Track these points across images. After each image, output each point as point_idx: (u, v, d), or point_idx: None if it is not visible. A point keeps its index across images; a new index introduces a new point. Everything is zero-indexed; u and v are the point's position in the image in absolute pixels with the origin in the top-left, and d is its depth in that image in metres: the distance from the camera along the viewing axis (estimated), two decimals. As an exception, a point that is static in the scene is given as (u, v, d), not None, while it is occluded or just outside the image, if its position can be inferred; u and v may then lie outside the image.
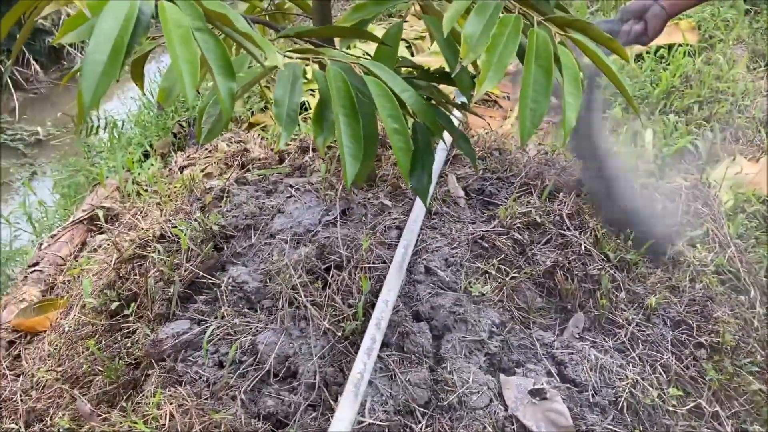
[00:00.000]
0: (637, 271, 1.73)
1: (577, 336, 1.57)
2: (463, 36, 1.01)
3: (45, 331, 2.09)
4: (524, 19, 1.07)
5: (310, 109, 2.99)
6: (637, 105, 1.13)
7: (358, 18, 1.22)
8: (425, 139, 1.17)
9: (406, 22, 1.35)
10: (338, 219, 1.74)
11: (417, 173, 1.15)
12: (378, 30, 3.27)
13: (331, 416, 1.28)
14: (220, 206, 1.89)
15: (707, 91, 2.96)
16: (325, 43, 1.34)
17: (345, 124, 0.95)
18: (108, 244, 2.25)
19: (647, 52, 3.47)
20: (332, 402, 1.38)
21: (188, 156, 2.88)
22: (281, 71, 0.95)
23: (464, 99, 1.25)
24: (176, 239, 1.81)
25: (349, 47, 1.35)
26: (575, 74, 1.02)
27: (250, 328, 1.53)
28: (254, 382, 1.43)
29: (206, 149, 2.90)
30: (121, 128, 3.34)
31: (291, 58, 1.04)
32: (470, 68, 1.17)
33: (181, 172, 2.73)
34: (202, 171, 2.64)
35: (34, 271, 2.41)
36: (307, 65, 1.08)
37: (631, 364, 1.50)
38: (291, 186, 1.94)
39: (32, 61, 4.81)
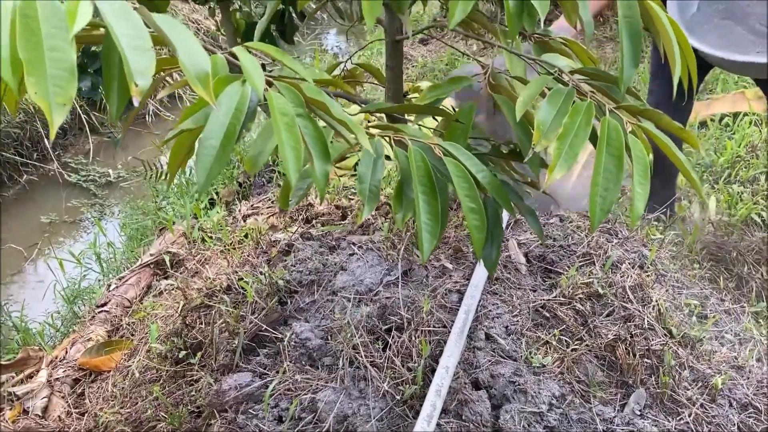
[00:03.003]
0: (702, 348, 1.70)
1: (638, 413, 1.54)
2: (536, 123, 1.05)
3: (109, 371, 2.18)
4: (596, 106, 1.11)
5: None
6: (701, 188, 1.14)
7: (434, 96, 1.28)
8: (495, 213, 1.20)
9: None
10: (400, 279, 1.77)
11: (486, 247, 1.18)
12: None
13: (390, 481, 1.30)
14: (286, 260, 1.96)
15: (774, 161, 2.91)
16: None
17: (424, 201, 0.99)
18: (173, 290, 2.34)
19: (711, 120, 3.45)
20: (389, 466, 1.39)
21: (252, 205, 2.98)
22: (365, 150, 1.01)
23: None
24: (242, 291, 1.88)
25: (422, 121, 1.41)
26: (645, 164, 1.04)
27: (311, 385, 1.56)
28: (313, 440, 1.45)
29: (269, 200, 3.01)
30: (189, 175, 3.49)
31: (373, 135, 1.10)
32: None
33: (245, 221, 2.83)
34: (264, 220, 2.74)
35: (102, 311, 2.52)
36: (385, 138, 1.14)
37: (694, 447, 1.47)
38: (354, 244, 1.99)
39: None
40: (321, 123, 0.94)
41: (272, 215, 2.78)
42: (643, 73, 3.91)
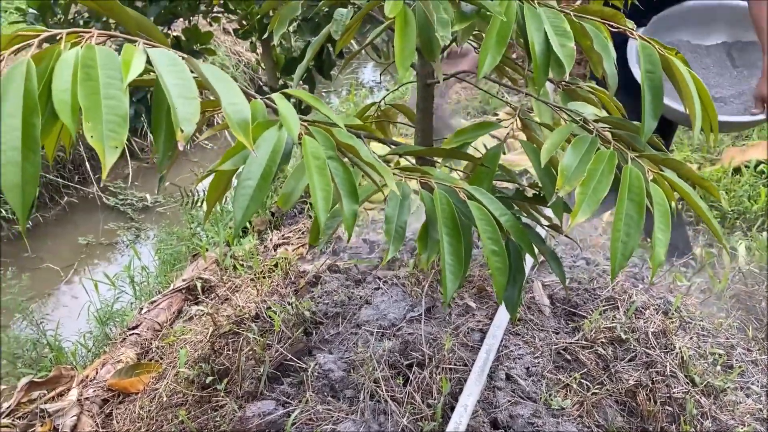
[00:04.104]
0: (726, 398, 1.68)
1: (659, 462, 1.53)
2: (560, 168, 1.09)
3: (137, 393, 2.23)
4: (619, 154, 1.14)
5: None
6: (724, 240, 1.16)
7: (461, 141, 1.33)
8: (518, 256, 1.23)
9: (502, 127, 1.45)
10: (423, 316, 1.80)
11: (508, 289, 1.21)
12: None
13: None
14: (313, 292, 2.00)
15: (808, 210, 2.88)
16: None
17: (448, 243, 1.03)
18: (203, 315, 2.40)
19: (746, 166, 3.43)
20: (406, 502, 1.40)
21: (283, 235, 3.05)
22: (392, 192, 1.05)
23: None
24: (270, 320, 1.92)
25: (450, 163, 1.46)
26: (666, 211, 1.07)
27: (332, 417, 1.59)
28: (332, 471, 1.47)
29: (300, 231, 3.08)
30: (224, 203, 3.58)
31: (400, 177, 1.15)
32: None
33: (275, 251, 2.90)
34: (294, 250, 2.79)
35: (133, 333, 2.59)
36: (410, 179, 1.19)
37: (716, 500, 1.45)
38: (379, 278, 2.03)
39: (148, 133, 5.29)
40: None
41: (302, 245, 2.84)
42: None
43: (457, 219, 1.05)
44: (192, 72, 0.78)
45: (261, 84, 6.12)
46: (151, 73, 0.86)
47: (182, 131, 0.66)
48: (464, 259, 1.05)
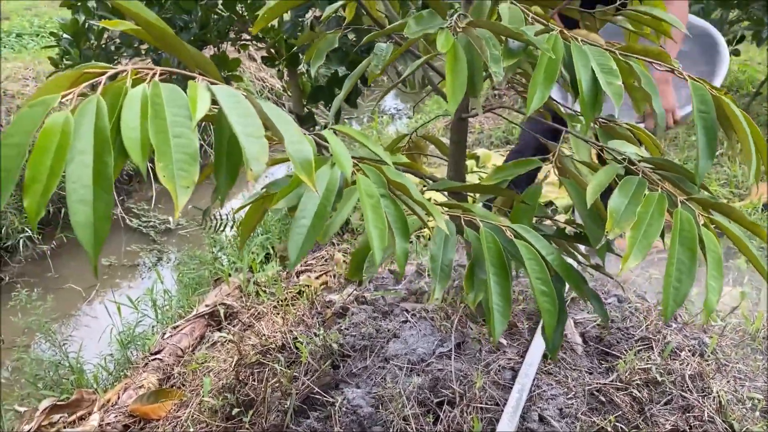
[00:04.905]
0: (765, 446, 1.63)
1: None
2: (609, 211, 1.07)
3: (159, 420, 2.21)
4: (667, 197, 1.12)
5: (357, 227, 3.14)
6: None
7: (500, 178, 1.32)
8: (561, 296, 1.21)
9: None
10: (453, 352, 1.78)
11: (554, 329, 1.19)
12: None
13: None
14: (340, 323, 1.98)
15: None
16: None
17: (495, 283, 1.02)
18: (226, 342, 2.39)
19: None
20: None
21: (306, 262, 3.04)
22: (437, 230, 1.04)
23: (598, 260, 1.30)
24: (296, 351, 1.91)
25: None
26: (718, 258, 1.05)
27: (361, 453, 1.56)
28: None
29: (323, 258, 3.07)
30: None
31: (443, 213, 1.14)
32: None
33: (297, 277, 2.89)
34: (317, 278, 2.78)
35: (155, 359, 2.58)
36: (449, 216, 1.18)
37: None
38: (407, 311, 2.01)
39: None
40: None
41: (325, 273, 2.83)
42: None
43: (504, 258, 1.04)
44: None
45: (286, 111, 6.19)
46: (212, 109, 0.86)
47: (252, 170, 0.66)
48: (510, 298, 1.04)
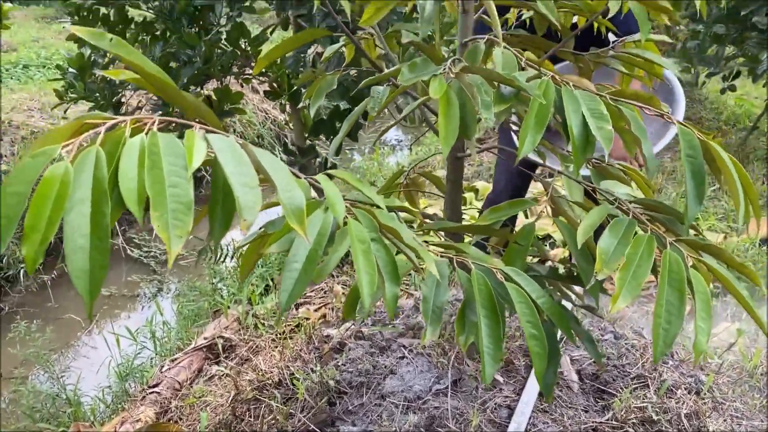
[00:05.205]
0: (763, 488, 1.62)
1: None
2: (598, 251, 1.09)
3: (155, 454, 2.20)
4: (657, 238, 1.14)
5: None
6: (764, 324, 1.15)
7: (495, 218, 1.34)
8: (552, 337, 1.22)
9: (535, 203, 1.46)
10: (449, 389, 1.78)
11: (546, 371, 1.20)
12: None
13: None
14: (337, 359, 1.99)
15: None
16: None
17: (486, 325, 1.03)
18: (224, 377, 2.39)
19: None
20: None
21: (305, 294, 3.05)
22: (429, 272, 1.06)
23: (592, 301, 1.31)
24: (293, 387, 1.91)
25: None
26: (707, 299, 1.06)
27: (355, 492, 1.55)
28: None
29: (321, 290, 3.08)
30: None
31: (436, 253, 1.16)
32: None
33: (296, 310, 2.89)
34: (316, 310, 2.79)
35: (153, 392, 2.57)
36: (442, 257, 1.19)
37: None
38: (404, 347, 2.01)
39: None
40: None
41: (324, 305, 2.83)
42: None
43: (495, 301, 1.05)
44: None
45: (288, 142, 6.25)
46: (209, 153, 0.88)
47: (245, 220, 0.68)
48: (501, 340, 1.05)
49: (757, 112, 5.44)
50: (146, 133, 0.75)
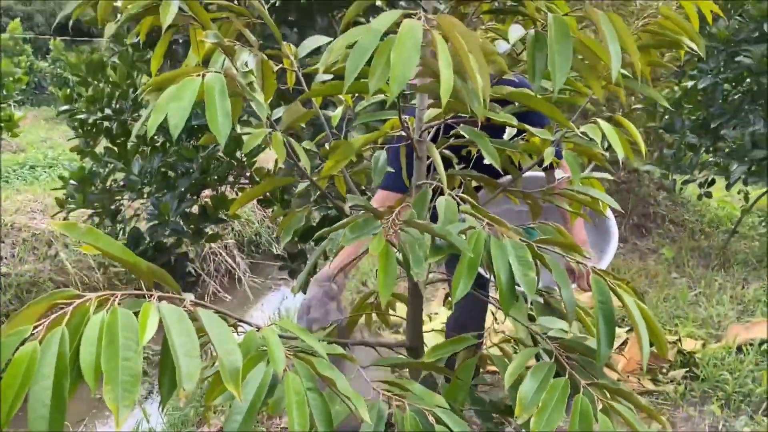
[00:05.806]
0: None
1: None
2: (519, 397, 1.21)
3: None
4: (571, 383, 1.26)
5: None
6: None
7: (438, 355, 1.47)
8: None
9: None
10: None
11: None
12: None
13: None
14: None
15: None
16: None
17: (410, 466, 1.14)
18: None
19: (750, 344, 3.40)
20: None
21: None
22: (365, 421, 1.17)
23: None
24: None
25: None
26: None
27: None
28: None
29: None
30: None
31: (380, 392, 1.28)
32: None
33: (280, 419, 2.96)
34: None
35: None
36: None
37: None
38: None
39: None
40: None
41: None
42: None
43: (420, 442, 1.16)
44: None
45: (281, 246, 6.43)
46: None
47: (184, 389, 0.82)
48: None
49: (738, 215, 5.60)
50: (107, 310, 0.91)
